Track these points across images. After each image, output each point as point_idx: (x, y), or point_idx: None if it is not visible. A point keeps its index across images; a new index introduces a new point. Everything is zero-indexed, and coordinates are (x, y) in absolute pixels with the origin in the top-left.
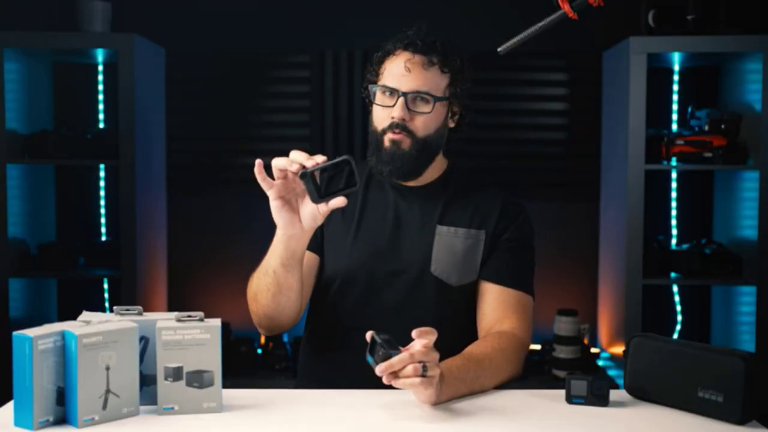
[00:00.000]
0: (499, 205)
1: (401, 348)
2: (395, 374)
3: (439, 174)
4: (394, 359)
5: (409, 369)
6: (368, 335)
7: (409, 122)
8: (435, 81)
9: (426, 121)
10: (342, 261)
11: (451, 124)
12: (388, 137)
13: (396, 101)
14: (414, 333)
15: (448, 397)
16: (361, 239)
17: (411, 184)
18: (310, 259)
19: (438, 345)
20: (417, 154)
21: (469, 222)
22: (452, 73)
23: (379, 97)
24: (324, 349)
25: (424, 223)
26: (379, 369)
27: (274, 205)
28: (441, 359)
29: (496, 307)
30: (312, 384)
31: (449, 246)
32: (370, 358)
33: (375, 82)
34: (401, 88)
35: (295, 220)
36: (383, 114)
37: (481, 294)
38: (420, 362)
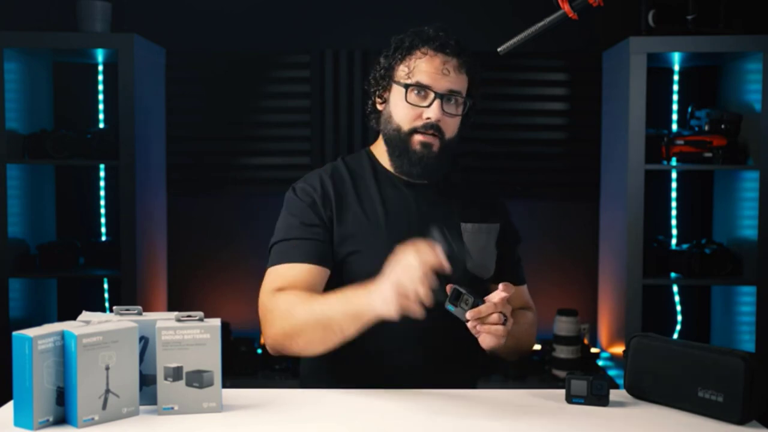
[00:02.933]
0: (497, 202)
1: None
2: (481, 320)
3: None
4: (482, 307)
5: (495, 317)
6: (449, 287)
7: (441, 123)
8: (463, 83)
9: (455, 123)
10: (376, 268)
11: None
12: (418, 139)
13: (431, 102)
14: (501, 286)
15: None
16: (393, 241)
17: (419, 181)
18: (321, 273)
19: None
20: (443, 156)
21: (484, 216)
22: (471, 76)
23: (412, 97)
24: (357, 352)
25: (448, 221)
26: (470, 314)
27: (395, 299)
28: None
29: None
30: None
31: (478, 242)
32: (451, 307)
33: (395, 79)
34: (438, 88)
35: None
36: (412, 113)
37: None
38: (501, 312)
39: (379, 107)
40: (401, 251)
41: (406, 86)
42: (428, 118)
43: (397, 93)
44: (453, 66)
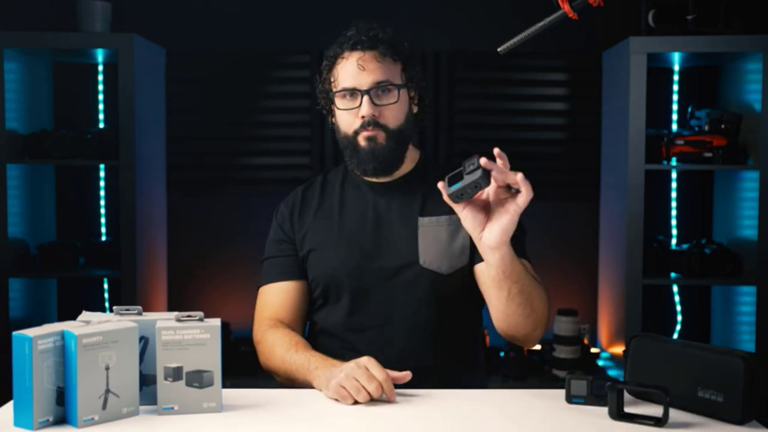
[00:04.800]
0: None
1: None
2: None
3: (413, 166)
4: (496, 156)
5: (510, 172)
6: (440, 183)
7: (379, 117)
8: (391, 70)
9: (395, 112)
10: (328, 265)
11: (415, 110)
12: (363, 136)
13: (360, 100)
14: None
15: (510, 257)
16: (344, 241)
17: (386, 179)
18: (295, 286)
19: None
20: (394, 146)
21: (449, 209)
22: (403, 59)
23: (342, 102)
24: (357, 353)
25: (406, 218)
26: (485, 161)
27: (333, 393)
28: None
29: None
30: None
31: (434, 236)
32: (458, 184)
33: (330, 90)
34: (361, 86)
35: None
36: (350, 117)
37: (484, 276)
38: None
39: (333, 121)
40: (367, 357)
41: (333, 95)
42: (363, 117)
43: (335, 103)
44: (370, 58)
